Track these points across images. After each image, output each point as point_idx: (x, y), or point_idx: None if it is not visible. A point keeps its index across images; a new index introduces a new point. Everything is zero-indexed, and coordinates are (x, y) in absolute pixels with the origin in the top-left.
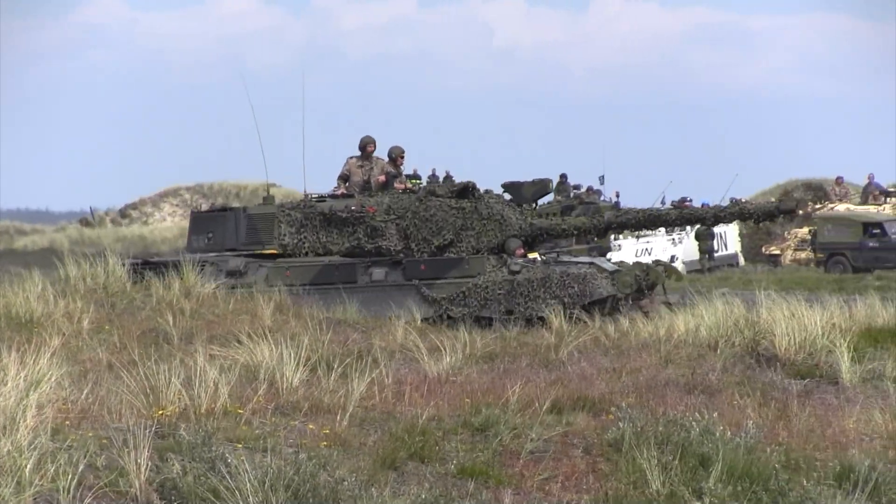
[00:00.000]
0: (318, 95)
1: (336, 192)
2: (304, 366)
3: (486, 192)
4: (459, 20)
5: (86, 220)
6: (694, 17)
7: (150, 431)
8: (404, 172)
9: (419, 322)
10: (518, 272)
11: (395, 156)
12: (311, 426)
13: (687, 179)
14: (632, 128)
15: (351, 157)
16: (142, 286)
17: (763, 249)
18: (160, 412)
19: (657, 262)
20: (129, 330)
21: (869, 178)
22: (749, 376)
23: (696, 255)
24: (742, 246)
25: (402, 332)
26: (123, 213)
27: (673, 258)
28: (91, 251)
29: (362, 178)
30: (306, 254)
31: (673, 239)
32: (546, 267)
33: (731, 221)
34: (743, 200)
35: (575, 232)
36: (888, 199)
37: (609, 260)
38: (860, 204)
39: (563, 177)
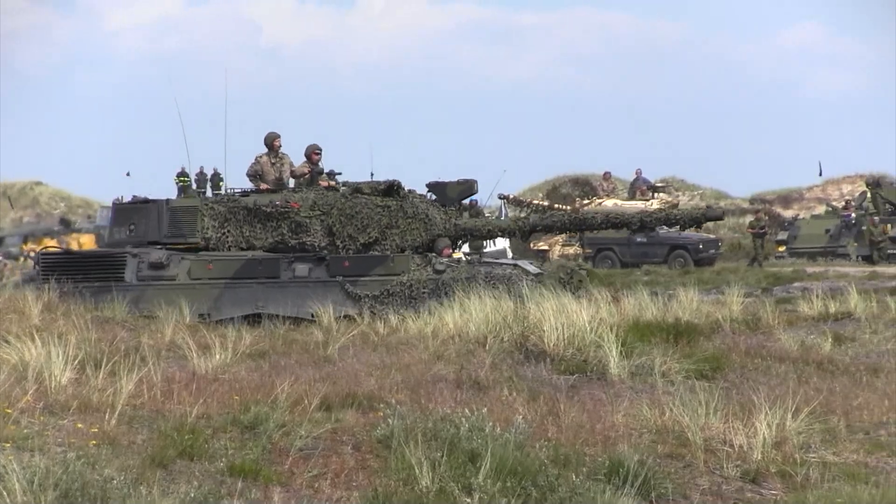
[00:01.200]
0: (86, 94)
1: (259, 188)
2: (73, 364)
3: (411, 191)
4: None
5: None
6: (462, 14)
7: None
8: (324, 169)
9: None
10: (443, 271)
11: (310, 153)
12: (79, 425)
13: (457, 174)
14: (400, 124)
15: (260, 155)
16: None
17: (531, 245)
18: None
19: (579, 266)
20: None
21: (637, 173)
22: (518, 372)
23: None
24: (511, 241)
25: (171, 330)
26: None
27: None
28: None
29: (275, 175)
30: (229, 248)
31: None
32: (471, 267)
33: (657, 226)
34: (510, 196)
35: (499, 233)
36: (655, 195)
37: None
38: (628, 199)
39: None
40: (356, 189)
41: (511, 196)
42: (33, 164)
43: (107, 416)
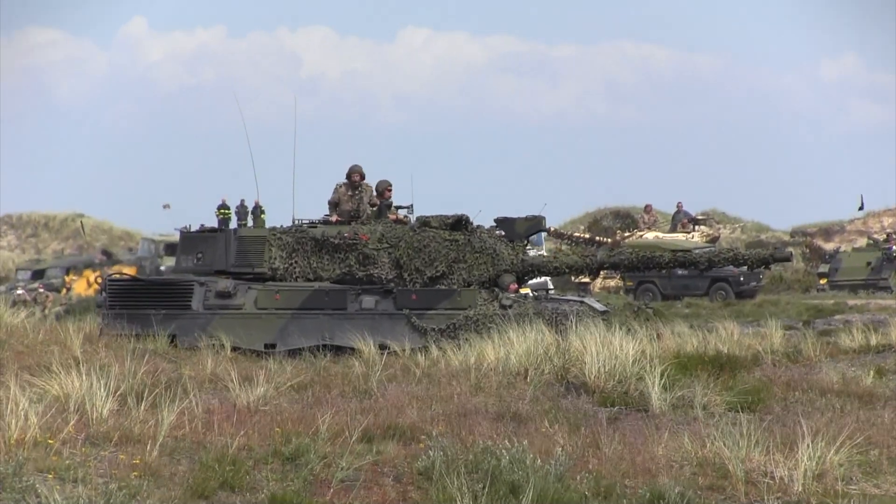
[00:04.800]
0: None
1: (329, 219)
2: (115, 396)
3: (479, 226)
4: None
5: None
6: (501, 47)
7: None
8: (394, 205)
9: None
10: (510, 307)
11: (383, 189)
12: (121, 456)
13: (496, 208)
14: (440, 156)
15: (339, 185)
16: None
17: (573, 277)
18: None
19: (646, 304)
20: None
21: (678, 206)
22: (559, 404)
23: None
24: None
25: (213, 362)
26: None
27: None
28: None
29: (352, 206)
30: (296, 278)
31: None
32: (538, 303)
33: (724, 266)
34: (552, 229)
35: (566, 270)
36: (696, 227)
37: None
38: (669, 231)
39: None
40: (424, 223)
41: (553, 228)
42: (75, 195)
43: (148, 448)
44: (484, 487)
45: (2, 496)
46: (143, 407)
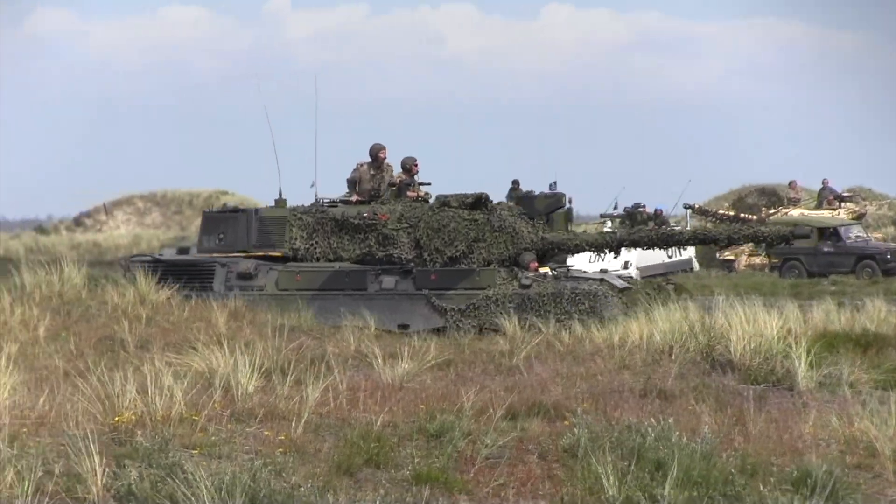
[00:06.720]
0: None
1: (349, 199)
2: (259, 372)
3: (499, 203)
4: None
5: (41, 228)
6: (644, 23)
7: (106, 438)
8: (419, 181)
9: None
10: (529, 286)
11: (409, 165)
12: (266, 432)
13: (640, 185)
14: (583, 134)
15: (361, 164)
16: (97, 293)
17: (717, 254)
18: (117, 419)
19: (667, 280)
20: (85, 337)
21: (824, 182)
22: (704, 382)
23: (651, 261)
24: (697, 250)
25: (357, 339)
26: (78, 222)
27: (627, 263)
28: (46, 259)
29: (373, 186)
30: (317, 259)
31: None
32: (557, 282)
33: (745, 243)
34: (696, 206)
35: (586, 247)
36: (843, 204)
37: (619, 276)
38: (815, 208)
39: (515, 183)
40: (444, 202)
41: (697, 206)
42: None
43: (293, 424)
44: (629, 465)
45: (148, 472)
46: (287, 384)
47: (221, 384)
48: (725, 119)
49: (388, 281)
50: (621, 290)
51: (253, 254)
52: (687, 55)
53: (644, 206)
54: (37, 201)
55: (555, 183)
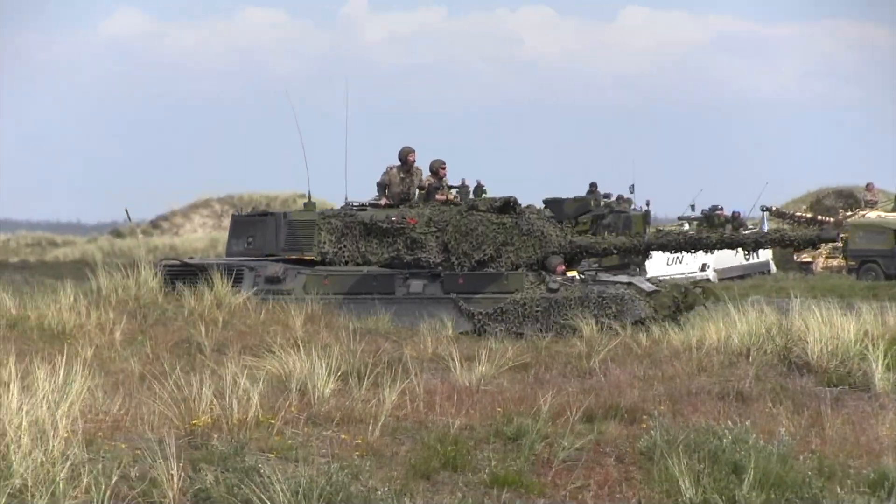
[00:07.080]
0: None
1: (378, 202)
2: (336, 376)
3: (527, 207)
4: (488, 30)
5: (117, 231)
6: (720, 26)
7: (182, 442)
8: (448, 184)
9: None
10: (556, 290)
11: (437, 168)
12: (343, 436)
13: (717, 187)
14: (661, 136)
15: (391, 167)
16: (174, 297)
17: (795, 257)
18: (193, 423)
19: (696, 284)
20: (161, 341)
21: None
22: (781, 384)
23: (728, 263)
24: (774, 253)
25: (434, 342)
26: (155, 225)
27: (704, 266)
28: (123, 262)
29: (402, 189)
30: (345, 263)
31: None
32: (584, 286)
33: (772, 248)
34: (773, 209)
35: (614, 251)
36: None
37: (647, 279)
38: (892, 210)
39: (593, 186)
40: (472, 206)
41: (774, 208)
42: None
43: (370, 428)
44: (706, 467)
45: (224, 476)
46: (364, 387)
47: (298, 387)
48: (802, 121)
49: (416, 285)
50: (649, 294)
51: (282, 257)
52: (762, 57)
53: (721, 209)
54: (113, 204)
55: (633, 186)
